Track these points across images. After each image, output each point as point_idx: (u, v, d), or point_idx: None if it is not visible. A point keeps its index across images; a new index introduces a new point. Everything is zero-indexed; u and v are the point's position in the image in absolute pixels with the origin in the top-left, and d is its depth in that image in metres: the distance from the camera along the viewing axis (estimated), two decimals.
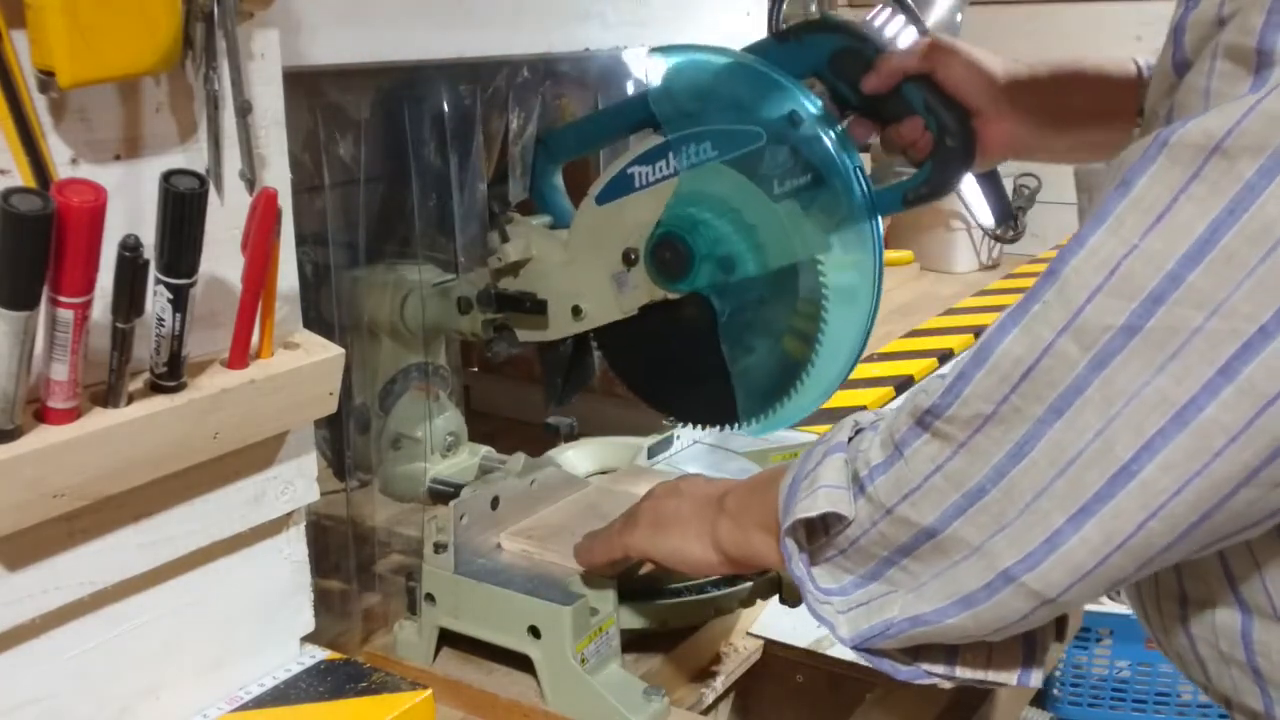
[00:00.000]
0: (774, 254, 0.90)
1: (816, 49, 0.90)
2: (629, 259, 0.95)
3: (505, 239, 0.99)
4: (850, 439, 0.66)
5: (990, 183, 0.87)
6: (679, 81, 0.92)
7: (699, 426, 1.02)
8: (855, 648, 0.64)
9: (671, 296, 0.94)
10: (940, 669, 0.65)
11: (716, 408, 0.97)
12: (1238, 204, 0.48)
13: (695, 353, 0.96)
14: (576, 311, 0.99)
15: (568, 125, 1.02)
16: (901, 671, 0.65)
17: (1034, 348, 0.53)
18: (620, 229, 0.95)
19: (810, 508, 0.63)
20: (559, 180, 1.05)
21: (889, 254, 0.93)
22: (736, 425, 0.97)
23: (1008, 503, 0.55)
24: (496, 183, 1.01)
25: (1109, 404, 0.51)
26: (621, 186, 0.94)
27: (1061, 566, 0.54)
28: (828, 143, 0.86)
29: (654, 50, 0.97)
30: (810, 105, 0.87)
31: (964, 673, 0.65)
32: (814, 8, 2.22)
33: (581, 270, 0.98)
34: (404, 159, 0.95)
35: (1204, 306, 0.49)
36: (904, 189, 0.90)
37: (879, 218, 0.87)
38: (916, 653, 0.65)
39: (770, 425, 0.96)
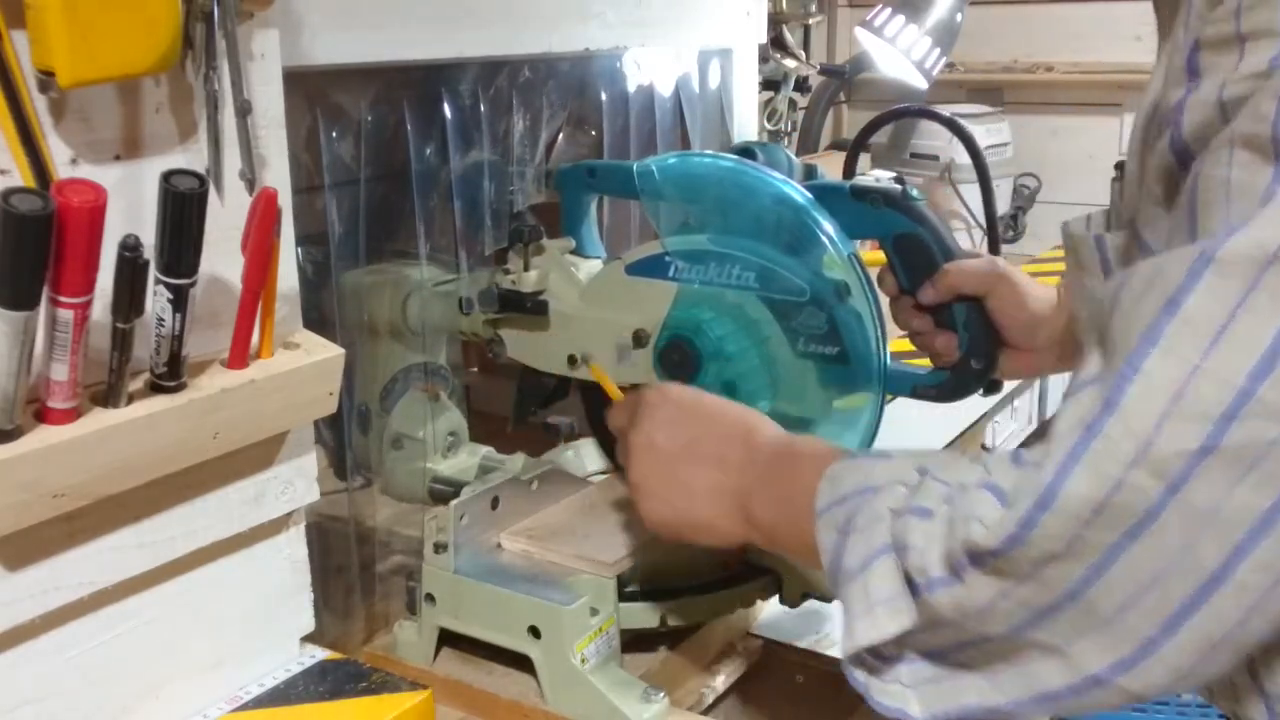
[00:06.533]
0: (784, 402, 0.90)
1: (887, 223, 0.89)
2: (639, 339, 0.94)
3: (528, 267, 0.98)
4: (892, 532, 0.61)
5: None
6: (737, 194, 0.90)
7: None
8: None
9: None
10: None
11: None
12: None
13: None
14: (572, 360, 0.98)
15: (621, 165, 1.00)
16: None
17: (1103, 484, 0.51)
18: (640, 306, 0.94)
19: (873, 632, 0.60)
20: (594, 210, 1.04)
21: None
22: None
23: (1087, 618, 0.53)
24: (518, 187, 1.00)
25: (1189, 522, 0.49)
26: (655, 268, 0.93)
27: (1160, 667, 0.52)
28: (868, 328, 0.86)
29: (735, 148, 0.96)
30: (861, 284, 0.85)
31: None
32: (813, 7, 2.22)
33: (589, 326, 0.97)
34: (406, 158, 0.95)
35: (1278, 417, 0.48)
36: (915, 381, 0.91)
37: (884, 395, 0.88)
38: None
39: None
